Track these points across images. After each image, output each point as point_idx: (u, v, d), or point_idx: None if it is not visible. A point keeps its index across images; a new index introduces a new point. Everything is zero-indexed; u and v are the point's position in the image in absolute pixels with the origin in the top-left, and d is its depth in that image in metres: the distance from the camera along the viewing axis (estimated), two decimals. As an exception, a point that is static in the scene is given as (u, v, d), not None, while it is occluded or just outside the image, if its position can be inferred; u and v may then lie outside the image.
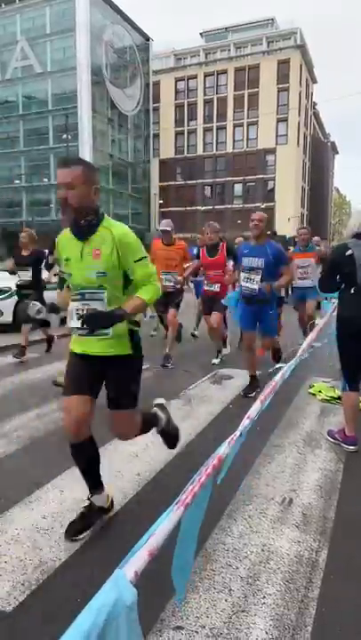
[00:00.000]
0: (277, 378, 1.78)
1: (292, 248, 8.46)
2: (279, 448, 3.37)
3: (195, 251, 6.46)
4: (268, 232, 5.89)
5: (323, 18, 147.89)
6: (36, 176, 42.77)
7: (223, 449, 1.21)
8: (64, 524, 2.39)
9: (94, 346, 2.23)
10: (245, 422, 1.34)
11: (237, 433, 1.30)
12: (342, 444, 3.38)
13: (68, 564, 2.11)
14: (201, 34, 55.27)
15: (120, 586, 0.81)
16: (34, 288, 6.32)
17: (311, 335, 3.60)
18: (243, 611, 1.84)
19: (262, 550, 2.22)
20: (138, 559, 0.87)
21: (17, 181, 43.99)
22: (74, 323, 2.25)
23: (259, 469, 3.00)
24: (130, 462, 3.12)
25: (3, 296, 7.99)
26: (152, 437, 3.55)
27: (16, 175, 44.09)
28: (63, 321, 6.27)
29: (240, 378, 5.29)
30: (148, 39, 48.91)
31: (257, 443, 3.30)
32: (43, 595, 1.92)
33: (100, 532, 2.35)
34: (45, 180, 41.91)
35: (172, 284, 5.93)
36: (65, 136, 36.39)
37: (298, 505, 2.62)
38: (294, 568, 2.10)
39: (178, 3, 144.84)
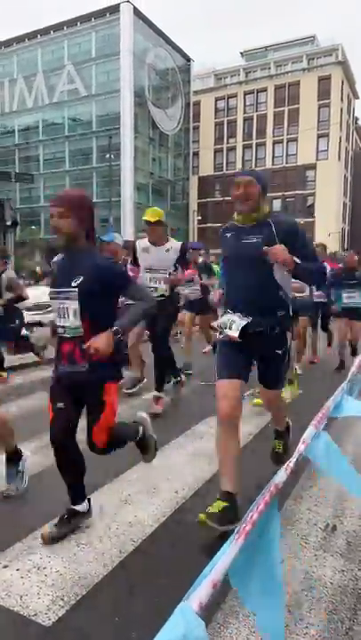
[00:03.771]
0: (329, 402, 1.73)
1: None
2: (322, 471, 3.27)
3: None
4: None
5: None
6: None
7: (280, 476, 1.19)
8: (103, 540, 2.40)
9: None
10: (301, 448, 1.31)
11: (293, 459, 1.28)
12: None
13: (107, 580, 2.11)
14: (241, 53, 56.02)
15: (187, 618, 0.79)
16: None
17: None
18: (284, 641, 1.77)
19: (304, 578, 2.14)
20: (203, 590, 0.85)
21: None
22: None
23: (300, 493, 2.92)
24: (166, 479, 3.10)
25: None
26: (189, 454, 3.54)
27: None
28: None
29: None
30: (189, 60, 50.04)
31: (299, 466, 3.21)
32: (81, 611, 1.92)
33: (138, 549, 2.34)
34: (88, 197, 43.21)
35: None
36: (108, 156, 37.51)
37: (342, 532, 2.52)
38: (338, 598, 2.01)
39: (219, 24, 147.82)
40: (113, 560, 2.25)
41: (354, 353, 6.78)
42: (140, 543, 2.38)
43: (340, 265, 7.43)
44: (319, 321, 7.61)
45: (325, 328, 7.96)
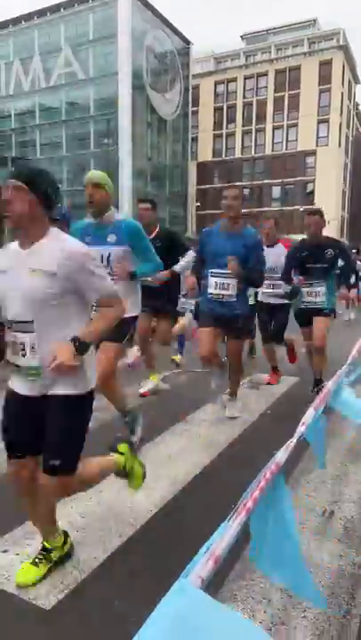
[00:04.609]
0: (329, 384, 1.73)
1: None
2: (319, 457, 3.29)
3: None
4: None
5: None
6: (78, 180, 43.75)
7: (280, 455, 1.19)
8: (101, 524, 2.41)
9: None
10: (301, 429, 1.32)
11: (294, 439, 1.28)
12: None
13: (107, 564, 2.12)
14: (242, 37, 55.07)
15: (185, 589, 0.79)
16: None
17: None
18: (283, 624, 1.79)
19: (302, 562, 2.16)
20: (202, 566, 0.85)
21: (59, 185, 45.15)
22: None
23: (299, 479, 2.94)
24: (166, 466, 3.12)
25: None
26: (187, 440, 3.54)
27: (58, 179, 45.21)
28: None
29: (277, 383, 5.20)
30: (188, 43, 49.13)
31: (297, 451, 3.23)
32: (81, 594, 1.94)
33: (138, 533, 2.36)
34: (86, 183, 42.82)
35: None
36: (105, 140, 37.05)
37: (339, 517, 2.54)
38: (336, 582, 2.03)
39: (219, 7, 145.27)
40: (113, 544, 2.26)
41: (317, 389, 3.86)
42: (139, 528, 2.40)
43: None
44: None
45: (280, 340, 5.16)
